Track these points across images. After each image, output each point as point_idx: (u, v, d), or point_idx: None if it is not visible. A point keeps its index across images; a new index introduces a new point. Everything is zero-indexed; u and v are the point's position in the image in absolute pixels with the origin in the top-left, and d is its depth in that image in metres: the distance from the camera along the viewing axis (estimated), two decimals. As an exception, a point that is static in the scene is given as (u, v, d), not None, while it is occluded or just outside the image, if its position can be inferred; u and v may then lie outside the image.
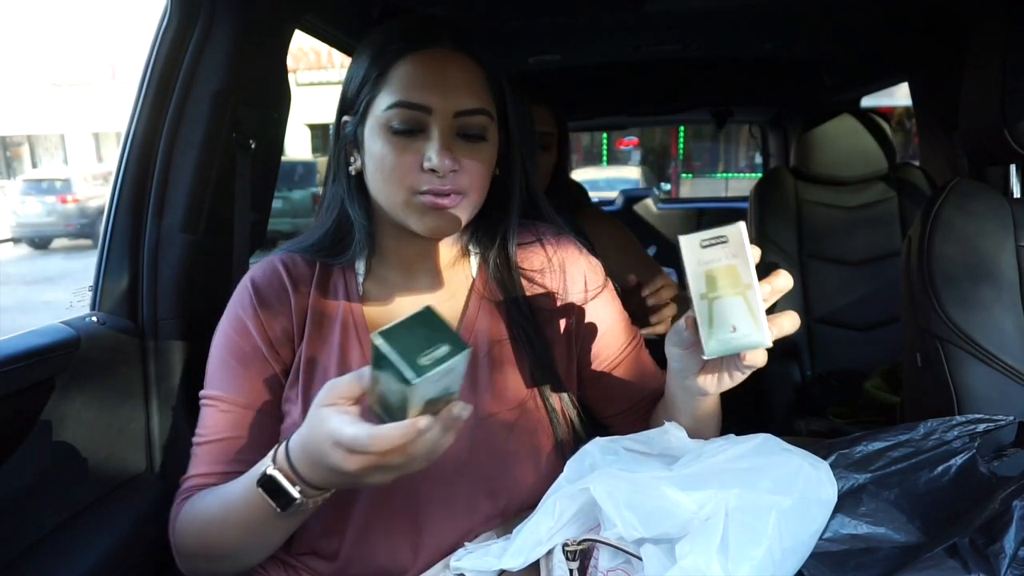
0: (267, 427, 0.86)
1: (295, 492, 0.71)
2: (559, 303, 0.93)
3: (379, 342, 0.61)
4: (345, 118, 0.87)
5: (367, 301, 0.90)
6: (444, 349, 0.62)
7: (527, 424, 0.87)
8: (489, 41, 0.86)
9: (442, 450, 0.67)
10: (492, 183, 0.88)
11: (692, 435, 0.80)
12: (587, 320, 0.94)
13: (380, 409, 0.66)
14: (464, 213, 0.83)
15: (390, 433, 0.62)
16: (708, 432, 0.86)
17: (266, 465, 0.72)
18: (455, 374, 0.64)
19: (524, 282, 0.92)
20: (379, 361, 0.62)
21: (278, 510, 0.72)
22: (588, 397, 0.98)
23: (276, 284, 0.88)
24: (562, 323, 0.93)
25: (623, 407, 0.97)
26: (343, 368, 0.86)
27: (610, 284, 0.98)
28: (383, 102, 0.81)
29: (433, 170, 0.79)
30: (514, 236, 0.92)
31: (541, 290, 0.93)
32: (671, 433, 0.76)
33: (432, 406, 0.64)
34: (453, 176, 0.80)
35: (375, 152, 0.82)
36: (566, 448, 0.87)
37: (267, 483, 0.72)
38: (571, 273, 0.94)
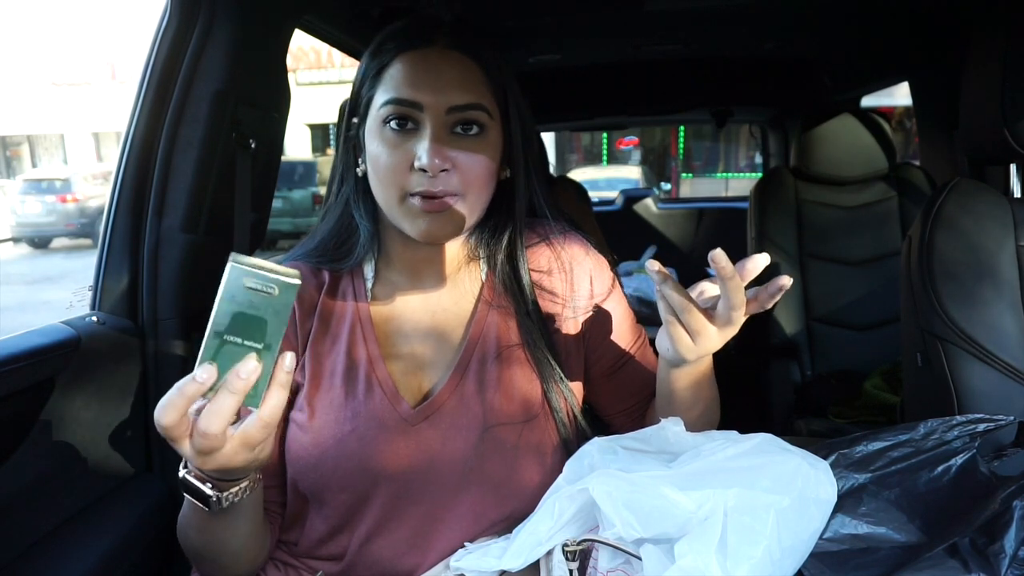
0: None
1: (208, 489, 0.70)
2: (567, 304, 0.92)
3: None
4: (354, 119, 0.87)
5: (375, 302, 0.90)
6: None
7: (535, 428, 0.87)
8: (489, 41, 0.86)
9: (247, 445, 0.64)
10: (498, 184, 0.87)
11: (692, 417, 0.79)
12: (594, 321, 0.93)
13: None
14: (460, 216, 0.82)
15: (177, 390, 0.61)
16: (708, 410, 0.87)
17: (182, 470, 0.71)
18: (274, 303, 0.61)
19: (532, 284, 0.91)
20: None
21: (207, 509, 0.71)
22: (593, 396, 0.97)
23: None
24: (570, 325, 0.92)
25: (627, 405, 0.97)
26: (349, 367, 0.86)
27: (617, 282, 0.97)
28: (378, 101, 0.82)
29: (423, 169, 0.78)
30: (522, 239, 0.91)
31: (549, 291, 0.92)
32: (668, 429, 0.76)
33: (236, 333, 0.61)
34: (445, 176, 0.79)
35: (372, 152, 0.82)
36: (572, 451, 0.87)
37: (184, 486, 0.71)
38: (578, 273, 0.93)
